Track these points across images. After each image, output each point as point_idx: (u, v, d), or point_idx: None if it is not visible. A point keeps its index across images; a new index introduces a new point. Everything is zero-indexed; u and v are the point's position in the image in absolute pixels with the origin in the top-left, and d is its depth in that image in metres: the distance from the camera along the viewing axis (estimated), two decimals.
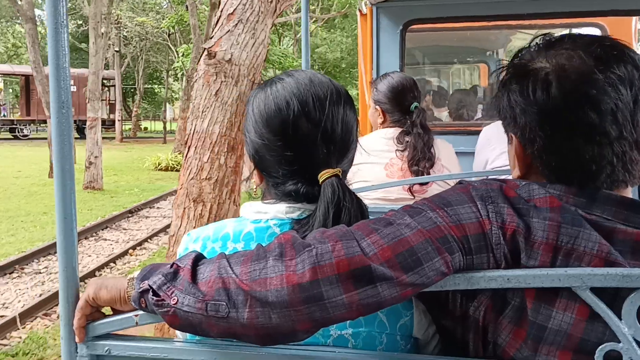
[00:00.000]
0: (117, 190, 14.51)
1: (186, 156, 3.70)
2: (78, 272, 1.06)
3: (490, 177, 1.51)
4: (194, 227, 3.29)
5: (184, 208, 3.62)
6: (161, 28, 27.85)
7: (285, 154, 1.08)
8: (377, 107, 2.52)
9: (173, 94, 46.68)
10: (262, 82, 1.21)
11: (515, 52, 1.04)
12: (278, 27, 31.80)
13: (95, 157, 14.16)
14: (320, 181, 1.05)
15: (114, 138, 31.84)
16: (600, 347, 0.83)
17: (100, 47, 14.26)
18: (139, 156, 20.98)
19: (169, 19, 23.49)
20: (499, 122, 1.75)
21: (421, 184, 2.33)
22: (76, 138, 31.92)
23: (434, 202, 0.93)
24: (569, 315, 0.87)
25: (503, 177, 1.04)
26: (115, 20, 30.11)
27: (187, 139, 3.76)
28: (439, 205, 0.93)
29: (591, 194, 0.92)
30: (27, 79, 29.57)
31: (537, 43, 1.01)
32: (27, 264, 7.55)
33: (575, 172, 0.94)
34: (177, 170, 19.00)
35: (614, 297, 0.85)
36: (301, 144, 1.07)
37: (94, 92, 14.21)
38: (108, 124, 33.65)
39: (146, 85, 42.14)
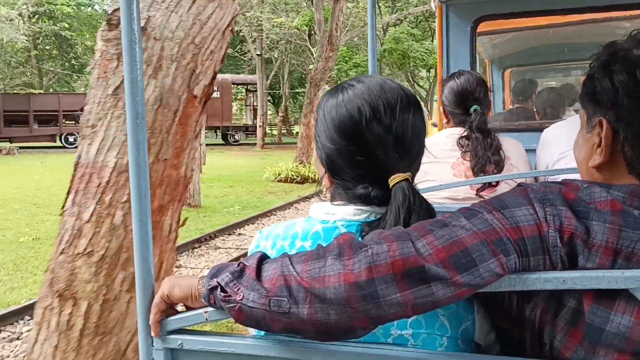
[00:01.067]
0: (216, 208, 12.94)
1: (63, 209, 2.26)
2: (153, 272, 1.13)
3: (551, 177, 2.12)
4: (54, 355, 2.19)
5: (45, 308, 2.20)
6: (294, 27, 26.53)
7: (356, 158, 1.11)
8: (441, 107, 2.52)
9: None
10: (332, 87, 1.22)
11: (608, 43, 1.03)
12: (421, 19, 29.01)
13: (192, 170, 12.66)
14: (391, 185, 1.08)
15: (255, 144, 31.22)
16: None
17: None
18: (271, 164, 19.69)
19: (302, 17, 22.05)
20: (557, 124, 2.58)
21: (490, 185, 2.27)
22: (219, 144, 32.27)
23: (491, 204, 0.95)
24: (627, 318, 0.87)
25: (562, 177, 1.10)
26: (256, 22, 29.36)
27: (72, 176, 2.27)
28: (495, 207, 0.94)
29: None
30: None
31: (635, 35, 1.00)
32: None
33: None
34: (299, 182, 17.08)
35: None
36: (373, 148, 1.09)
37: None
38: (251, 130, 33.15)
39: (293, 90, 41.38)
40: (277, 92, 41.23)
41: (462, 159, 2.33)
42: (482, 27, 4.02)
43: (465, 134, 2.34)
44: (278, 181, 17.77)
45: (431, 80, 30.95)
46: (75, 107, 28.46)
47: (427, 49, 27.17)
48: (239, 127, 34.75)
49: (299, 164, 18.45)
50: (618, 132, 0.98)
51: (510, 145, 2.41)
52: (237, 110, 40.18)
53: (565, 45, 5.67)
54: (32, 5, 33.31)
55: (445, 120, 2.52)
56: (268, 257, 1.01)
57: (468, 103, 2.38)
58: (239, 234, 10.30)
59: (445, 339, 1.06)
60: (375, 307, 0.87)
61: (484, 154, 2.27)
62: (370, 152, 1.09)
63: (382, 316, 0.88)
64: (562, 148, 2.45)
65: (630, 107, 0.95)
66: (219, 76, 31.22)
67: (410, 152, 1.12)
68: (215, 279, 0.99)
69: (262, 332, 1.08)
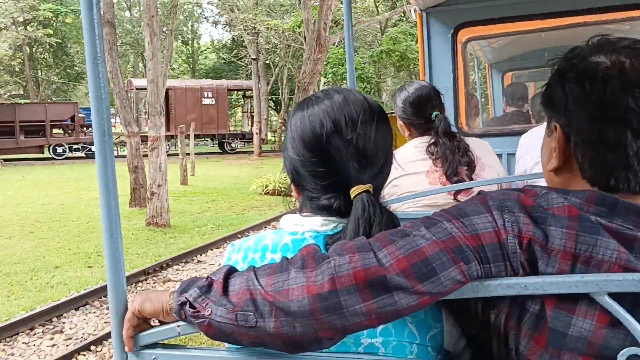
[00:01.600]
0: (187, 227, 11.73)
1: None
2: (125, 287, 1.14)
3: (531, 181, 2.28)
4: None
5: None
6: (288, 29, 25.25)
7: (319, 170, 1.14)
8: (400, 121, 2.51)
9: None
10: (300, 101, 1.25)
11: (571, 48, 1.06)
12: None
13: (158, 185, 11.40)
14: (352, 197, 1.10)
15: (253, 152, 29.96)
16: (621, 352, 0.85)
17: (158, 47, 11.34)
18: (264, 174, 18.47)
19: (294, 18, 20.82)
20: (535, 129, 2.69)
21: (466, 189, 2.31)
22: (216, 153, 31.04)
23: (451, 213, 0.96)
24: (589, 322, 0.88)
25: (540, 182, 1.07)
26: (251, 25, 28.21)
27: None
28: (455, 215, 0.95)
29: (612, 203, 0.92)
30: None
31: (594, 41, 1.02)
32: None
33: (616, 166, 0.95)
34: (287, 195, 15.70)
35: (635, 303, 0.86)
36: (334, 160, 1.12)
37: (153, 106, 11.40)
38: (248, 138, 31.94)
39: (293, 95, 40.04)
40: (278, 97, 40.06)
41: (435, 166, 2.36)
42: (475, 31, 4.20)
43: (433, 140, 2.36)
44: (265, 194, 16.55)
45: None
46: (64, 117, 27.44)
47: None
48: (236, 134, 33.93)
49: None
50: (570, 138, 1.00)
51: (478, 145, 2.44)
52: (241, 117, 38.88)
53: (565, 47, 5.34)
54: (25, 12, 32.37)
55: (407, 133, 2.53)
56: (236, 271, 1.03)
57: (427, 111, 2.40)
58: (198, 262, 8.98)
59: (415, 346, 1.08)
60: (339, 318, 0.88)
61: (454, 158, 2.30)
62: (331, 164, 1.12)
63: (347, 326, 0.90)
64: (538, 153, 2.49)
65: (579, 114, 0.98)
66: (213, 82, 29.90)
67: (372, 164, 1.13)
68: (184, 294, 1.01)
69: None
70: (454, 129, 2.41)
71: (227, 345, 1.12)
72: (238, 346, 1.06)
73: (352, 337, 1.05)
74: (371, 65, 25.82)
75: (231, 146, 32.27)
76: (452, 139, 2.32)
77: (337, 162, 1.11)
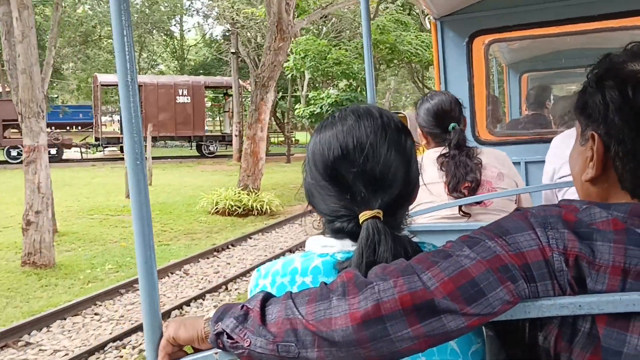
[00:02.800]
0: (77, 268, 8.90)
1: None
2: (160, 313, 1.12)
3: (551, 189, 2.39)
4: None
5: None
6: (263, 16, 22.13)
7: (329, 194, 1.13)
8: (419, 130, 2.56)
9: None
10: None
11: (604, 54, 1.05)
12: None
13: (37, 212, 8.45)
14: (360, 222, 1.09)
15: (232, 156, 26.95)
16: None
17: (30, 26, 8.30)
18: (232, 184, 15.45)
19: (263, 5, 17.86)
20: (567, 132, 2.61)
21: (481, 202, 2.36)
22: (194, 157, 28.10)
23: (492, 231, 0.95)
24: None
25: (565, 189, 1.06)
26: (229, 16, 25.23)
27: None
28: (497, 234, 0.94)
29: None
30: None
31: (630, 48, 1.01)
32: None
33: None
34: (240, 215, 12.77)
35: None
36: (342, 184, 1.11)
37: (27, 105, 8.38)
38: (228, 140, 28.96)
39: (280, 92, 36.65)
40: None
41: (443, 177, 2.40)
42: (495, 35, 4.20)
43: (444, 152, 2.40)
44: (215, 213, 13.51)
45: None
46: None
47: (422, 41, 22.48)
48: (214, 136, 31.24)
49: (242, 189, 14.04)
50: (609, 147, 0.99)
51: (496, 155, 2.48)
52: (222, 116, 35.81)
53: (585, 50, 5.51)
54: None
55: (424, 142, 2.58)
56: (272, 296, 1.00)
57: (446, 122, 2.43)
58: (28, 343, 5.92)
59: None
60: (386, 345, 0.87)
61: (456, 173, 2.33)
62: (340, 188, 1.11)
63: (395, 352, 0.88)
64: (567, 153, 1.98)
65: (621, 124, 0.96)
66: (189, 78, 26.20)
67: (384, 187, 1.11)
68: (220, 324, 0.98)
69: None
70: (471, 142, 2.52)
71: None
72: None
73: None
74: (358, 59, 22.43)
75: (209, 149, 29.46)
76: (461, 153, 2.35)
77: (345, 187, 1.11)
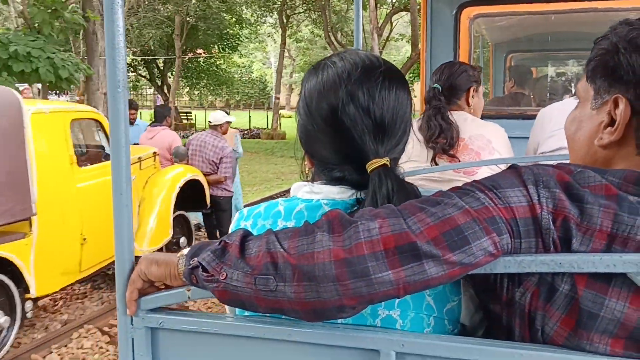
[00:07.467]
0: None
1: None
2: (132, 248, 1.10)
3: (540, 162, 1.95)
4: None
5: None
6: None
7: (334, 141, 1.09)
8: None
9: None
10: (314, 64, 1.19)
11: (620, 20, 1.01)
12: None
13: None
14: (369, 171, 1.06)
15: None
16: None
17: None
18: None
19: None
20: (553, 105, 2.56)
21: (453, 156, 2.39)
22: None
23: (483, 184, 0.94)
24: (622, 303, 0.87)
25: (552, 162, 1.03)
26: None
27: None
28: (488, 187, 0.93)
29: None
30: None
31: None
32: None
33: None
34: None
35: None
36: (348, 131, 1.07)
37: None
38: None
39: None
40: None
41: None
42: (482, 9, 4.10)
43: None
44: None
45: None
46: None
47: None
48: None
49: None
50: (636, 112, 0.96)
51: (494, 130, 2.47)
52: None
53: (569, 34, 5.65)
54: None
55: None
56: (251, 234, 0.98)
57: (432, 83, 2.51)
58: None
59: (432, 319, 1.06)
60: (365, 285, 0.85)
61: (432, 125, 2.37)
62: (346, 135, 1.07)
63: (373, 295, 0.86)
64: (552, 127, 2.52)
65: None
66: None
67: (390, 136, 1.08)
68: (196, 258, 0.97)
69: (245, 312, 1.07)
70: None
71: (228, 310, 1.12)
72: (247, 313, 1.05)
73: (370, 308, 1.02)
74: None
75: None
76: (436, 110, 2.40)
77: (352, 134, 1.06)
